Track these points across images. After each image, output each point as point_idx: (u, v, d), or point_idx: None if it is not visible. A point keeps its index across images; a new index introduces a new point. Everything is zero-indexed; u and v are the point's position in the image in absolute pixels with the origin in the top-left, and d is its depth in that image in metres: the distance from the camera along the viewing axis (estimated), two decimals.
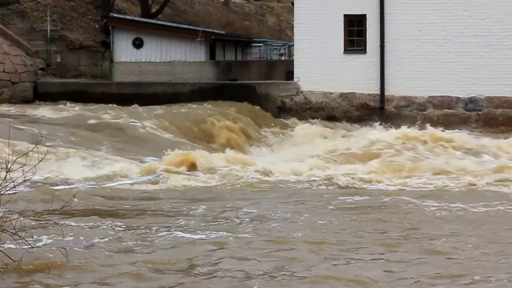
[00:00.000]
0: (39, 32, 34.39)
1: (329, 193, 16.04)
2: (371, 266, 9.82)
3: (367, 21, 28.10)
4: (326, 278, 9.29)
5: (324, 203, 14.63)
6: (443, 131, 23.58)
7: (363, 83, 28.01)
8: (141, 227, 12.07)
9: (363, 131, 25.58)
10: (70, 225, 11.94)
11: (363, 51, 28.18)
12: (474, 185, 17.05)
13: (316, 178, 17.57)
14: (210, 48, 33.41)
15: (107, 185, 16.44)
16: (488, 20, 27.40)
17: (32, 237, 10.00)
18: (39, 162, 10.25)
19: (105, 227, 12.08)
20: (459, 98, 27.57)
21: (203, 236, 11.44)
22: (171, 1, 42.29)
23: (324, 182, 17.24)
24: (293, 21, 29.89)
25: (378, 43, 27.90)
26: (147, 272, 9.35)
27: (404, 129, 23.53)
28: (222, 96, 28.44)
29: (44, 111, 26.30)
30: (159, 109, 26.16)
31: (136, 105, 27.32)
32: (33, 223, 11.12)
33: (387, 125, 25.67)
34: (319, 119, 27.67)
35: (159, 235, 11.50)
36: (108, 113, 25.47)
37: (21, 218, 9.49)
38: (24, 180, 9.53)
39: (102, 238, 11.12)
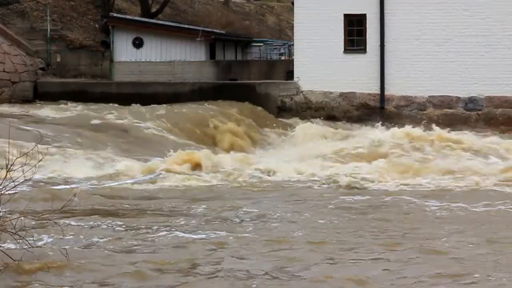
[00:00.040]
0: (39, 32, 34.39)
1: (332, 193, 16.02)
2: (371, 266, 9.82)
3: (367, 21, 28.11)
4: (326, 278, 9.29)
5: (326, 203, 14.62)
6: (449, 132, 23.46)
7: (363, 83, 28.01)
8: (142, 226, 12.07)
9: (365, 130, 25.58)
10: (71, 224, 11.94)
11: (363, 50, 28.19)
12: (478, 185, 16.98)
13: (318, 178, 17.54)
14: (210, 47, 33.42)
15: (108, 184, 16.45)
16: (488, 20, 27.41)
17: (33, 236, 9.99)
18: (38, 162, 10.25)
19: (106, 226, 12.08)
20: (459, 98, 27.58)
21: (204, 236, 11.44)
22: (171, 1, 42.29)
23: (327, 181, 17.18)
24: (293, 21, 29.89)
25: (378, 43, 27.91)
26: (148, 272, 9.35)
27: (409, 128, 23.38)
28: (222, 96, 28.44)
29: (47, 111, 26.23)
30: (161, 110, 26.12)
31: (138, 104, 27.34)
32: (34, 222, 11.11)
33: (390, 125, 25.67)
34: (322, 118, 27.64)
35: (159, 234, 11.50)
36: (112, 113, 25.42)
37: (22, 217, 9.49)
38: (25, 180, 9.51)
39: (103, 238, 11.12)
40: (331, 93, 28.25)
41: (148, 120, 24.64)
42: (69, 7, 36.84)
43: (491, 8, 27.36)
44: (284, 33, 51.89)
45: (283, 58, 38.17)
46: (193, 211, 13.65)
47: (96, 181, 16.74)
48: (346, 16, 28.24)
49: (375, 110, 27.90)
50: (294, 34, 29.25)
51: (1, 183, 9.19)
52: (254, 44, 39.67)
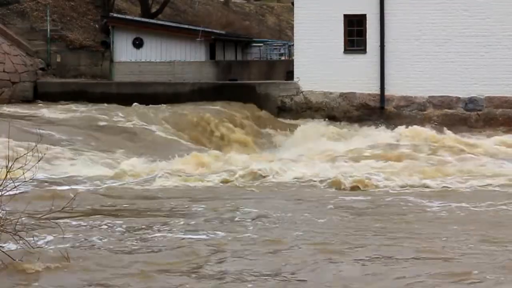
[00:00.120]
0: (39, 32, 34.40)
1: (333, 193, 15.99)
2: (372, 266, 9.82)
3: (367, 21, 28.12)
4: (327, 278, 9.30)
5: (327, 203, 14.60)
6: (463, 136, 23.31)
7: (363, 83, 28.02)
8: (142, 227, 12.08)
9: (371, 130, 25.58)
10: (71, 225, 11.95)
11: (363, 51, 28.20)
12: (485, 186, 16.91)
13: (321, 178, 17.48)
14: (210, 48, 33.42)
15: (108, 184, 16.45)
16: (488, 20, 27.42)
17: (33, 237, 9.99)
18: (38, 162, 10.25)
19: (106, 226, 12.08)
20: (459, 98, 27.58)
21: (204, 236, 11.45)
22: (171, 1, 42.29)
23: (329, 182, 17.11)
24: (293, 21, 29.90)
25: (378, 43, 27.92)
26: (148, 273, 9.35)
27: (418, 128, 23.18)
28: (222, 96, 28.45)
29: (51, 112, 26.13)
30: (166, 111, 26.08)
31: (137, 104, 27.37)
32: (34, 222, 11.12)
33: (392, 125, 25.66)
34: (326, 119, 27.61)
35: (160, 234, 11.50)
36: (117, 115, 25.37)
37: (22, 218, 9.49)
38: (25, 181, 9.52)
39: (103, 238, 11.13)
40: (331, 93, 28.26)
41: (153, 120, 24.61)
42: (69, 7, 36.85)
43: (491, 8, 27.37)
44: (284, 33, 51.90)
45: (283, 58, 38.17)
46: (193, 211, 13.66)
47: (98, 181, 16.74)
48: (346, 16, 28.25)
49: (375, 110, 27.91)
50: (294, 34, 29.26)
51: (2, 183, 9.19)
52: (254, 44, 39.67)
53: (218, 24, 41.39)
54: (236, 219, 12.97)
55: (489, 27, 27.41)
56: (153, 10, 39.88)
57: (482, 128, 26.86)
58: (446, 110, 27.57)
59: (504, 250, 10.69)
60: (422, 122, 26.60)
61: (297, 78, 28.61)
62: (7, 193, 9.41)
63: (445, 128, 24.49)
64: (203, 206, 14.05)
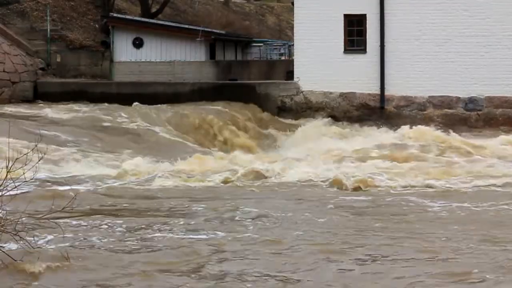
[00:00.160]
0: (39, 32, 34.39)
1: (335, 193, 15.97)
2: (372, 266, 9.82)
3: (367, 21, 28.11)
4: (326, 277, 9.30)
5: (329, 203, 14.59)
6: (466, 136, 23.15)
7: (363, 83, 28.01)
8: (143, 227, 12.08)
9: (373, 130, 25.55)
10: (72, 225, 11.95)
11: (363, 51, 28.19)
12: (489, 186, 16.88)
13: (323, 178, 17.45)
14: (210, 48, 33.42)
15: (110, 185, 16.46)
16: (488, 20, 27.41)
17: (33, 237, 10.00)
18: (38, 162, 10.25)
19: (106, 226, 12.08)
20: (459, 98, 27.58)
21: (204, 236, 11.46)
22: (171, 1, 42.29)
23: (331, 182, 17.07)
24: (293, 21, 29.89)
25: (378, 43, 27.90)
26: (148, 273, 9.35)
27: (424, 130, 23.00)
28: (222, 96, 28.45)
29: (54, 112, 26.08)
30: (168, 112, 26.07)
31: (138, 103, 27.38)
32: (35, 223, 11.13)
33: (395, 126, 25.62)
34: (329, 118, 27.58)
35: (160, 235, 11.51)
36: (120, 115, 25.35)
37: (23, 218, 9.49)
38: (25, 181, 9.52)
39: (103, 238, 11.13)
40: (331, 93, 28.25)
41: (158, 124, 24.60)
42: (69, 7, 36.85)
43: (491, 8, 27.36)
44: (284, 33, 51.90)
45: (283, 58, 38.17)
46: (194, 211, 13.66)
47: (100, 181, 16.74)
48: (346, 16, 28.23)
49: (375, 110, 27.90)
50: (294, 34, 29.25)
51: (2, 183, 9.19)
52: (254, 44, 39.67)
53: (218, 24, 41.39)
54: (236, 219, 12.97)
55: (489, 27, 27.40)
56: (153, 10, 39.89)
57: (482, 128, 26.85)
58: (446, 110, 27.57)
59: (504, 250, 10.70)
60: (422, 122, 26.58)
61: (297, 78, 28.60)
62: (8, 193, 9.41)
63: (450, 130, 24.29)
64: (203, 206, 14.06)
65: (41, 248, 10.01)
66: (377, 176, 17.47)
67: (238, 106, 27.49)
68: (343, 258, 10.22)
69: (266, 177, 17.63)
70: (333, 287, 9.04)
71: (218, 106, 27.16)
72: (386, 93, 27.86)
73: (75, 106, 27.37)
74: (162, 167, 18.50)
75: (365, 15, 28.09)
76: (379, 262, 10.04)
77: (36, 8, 35.41)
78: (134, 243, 10.93)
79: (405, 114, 27.70)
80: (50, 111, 25.87)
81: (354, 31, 28.30)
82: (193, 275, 9.34)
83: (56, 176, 16.96)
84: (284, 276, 9.34)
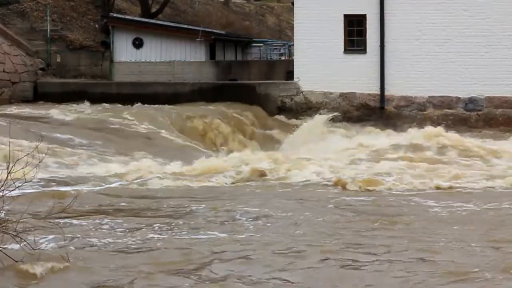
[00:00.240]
0: (39, 32, 34.41)
1: (340, 193, 15.93)
2: (372, 266, 9.82)
3: (367, 21, 28.12)
4: (326, 278, 9.30)
5: (332, 203, 14.57)
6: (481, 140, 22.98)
7: (363, 83, 28.03)
8: (143, 227, 12.08)
9: (374, 130, 25.52)
10: (72, 225, 11.96)
11: (363, 51, 28.20)
12: (493, 187, 16.82)
13: (327, 178, 17.42)
14: (210, 48, 33.44)
15: (111, 185, 16.46)
16: (488, 20, 27.43)
17: (34, 238, 10.01)
18: (39, 162, 10.26)
19: (107, 227, 12.08)
20: (459, 98, 27.59)
21: (204, 236, 11.46)
22: (171, 1, 42.30)
23: (336, 181, 17.02)
24: (293, 21, 29.90)
25: (378, 43, 27.92)
26: (148, 273, 9.35)
27: (436, 131, 22.76)
28: (222, 96, 28.47)
29: (59, 112, 26.02)
30: (172, 113, 26.07)
31: (139, 103, 27.44)
32: (35, 223, 11.13)
33: (395, 125, 25.56)
34: (331, 118, 27.56)
35: (160, 235, 11.51)
36: (125, 117, 25.34)
37: (23, 219, 9.50)
38: (26, 181, 9.53)
39: (104, 239, 11.12)
40: (331, 93, 28.27)
41: (163, 126, 24.60)
42: (69, 7, 36.85)
43: (491, 8, 27.38)
44: (284, 33, 51.91)
45: (283, 58, 38.19)
46: (194, 211, 13.66)
47: (102, 182, 16.74)
48: (346, 16, 28.25)
49: (375, 110, 27.92)
50: (294, 34, 29.26)
51: (2, 184, 9.20)
52: (254, 44, 39.69)
53: (218, 24, 41.41)
54: (237, 218, 12.97)
55: (489, 27, 27.41)
56: (153, 10, 39.90)
57: (482, 128, 26.85)
58: (446, 110, 27.58)
59: (505, 250, 10.70)
60: (422, 122, 26.57)
61: (297, 78, 28.61)
62: (9, 194, 9.41)
63: (468, 136, 23.93)
64: (203, 205, 14.06)
65: (41, 249, 10.01)
66: (381, 177, 17.40)
67: (239, 107, 27.52)
68: (343, 258, 10.22)
69: (268, 177, 17.62)
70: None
71: (220, 107, 27.17)
72: (386, 93, 27.87)
73: (78, 107, 27.37)
74: (165, 168, 18.48)
75: (365, 15, 28.11)
76: (379, 262, 10.03)
77: (36, 8, 35.42)
78: (134, 243, 10.93)
79: (405, 114, 27.71)
80: (56, 112, 25.79)
81: (354, 31, 28.32)
82: (193, 276, 9.34)
83: (59, 177, 16.97)
84: (284, 276, 9.34)
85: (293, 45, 30.63)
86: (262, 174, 17.79)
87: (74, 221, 12.26)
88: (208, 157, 20.60)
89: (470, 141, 21.74)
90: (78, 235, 11.24)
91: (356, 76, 27.98)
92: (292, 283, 9.12)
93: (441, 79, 27.64)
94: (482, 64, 27.44)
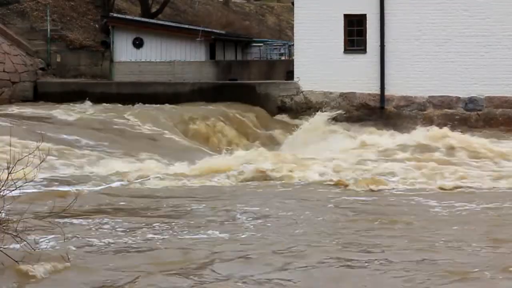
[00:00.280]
0: (39, 32, 34.42)
1: (341, 193, 15.90)
2: (372, 266, 9.83)
3: (367, 21, 28.13)
4: (326, 278, 9.31)
5: (333, 203, 14.56)
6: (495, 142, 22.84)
7: (363, 83, 28.04)
8: (144, 227, 12.08)
9: (375, 130, 25.49)
10: (73, 225, 11.96)
11: (363, 51, 28.21)
12: (497, 188, 16.77)
13: (329, 178, 17.40)
14: (210, 48, 33.44)
15: (111, 185, 16.46)
16: (488, 20, 27.43)
17: (34, 238, 10.01)
18: (40, 163, 10.26)
19: (108, 226, 12.09)
20: (459, 98, 27.60)
21: (205, 237, 11.46)
22: (171, 1, 42.31)
23: (338, 181, 17.00)
24: (293, 21, 29.91)
25: (378, 43, 27.93)
26: (149, 273, 9.35)
27: (443, 131, 22.65)
28: (222, 96, 28.48)
29: (63, 112, 25.97)
30: (175, 114, 26.06)
31: (141, 104, 27.46)
32: (36, 223, 11.13)
33: (395, 125, 25.54)
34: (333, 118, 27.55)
35: (160, 235, 11.52)
36: (128, 117, 25.35)
37: (24, 219, 9.50)
38: (26, 182, 9.54)
39: (104, 239, 11.12)
40: (331, 93, 28.27)
41: (166, 127, 24.60)
42: (69, 7, 36.86)
43: (491, 8, 27.39)
44: (284, 33, 51.93)
45: (283, 58, 38.20)
46: (194, 211, 13.67)
47: (103, 182, 16.74)
48: (346, 16, 28.26)
49: (375, 110, 27.93)
50: (294, 34, 29.27)
51: (3, 184, 9.20)
52: (254, 44, 39.70)
53: (218, 24, 41.41)
54: (237, 218, 12.98)
55: (489, 27, 27.42)
56: (153, 10, 39.90)
57: (482, 128, 26.85)
58: (446, 110, 27.59)
59: (505, 250, 10.71)
60: (422, 122, 26.58)
61: (297, 78, 28.62)
62: (9, 194, 9.42)
63: (475, 137, 23.80)
64: (204, 205, 14.07)
65: (42, 249, 10.02)
66: (385, 177, 17.37)
67: (239, 107, 27.53)
68: (343, 258, 10.22)
69: (271, 177, 17.61)
70: None
71: (221, 107, 27.17)
72: (386, 93, 27.88)
73: (80, 107, 27.35)
74: (171, 169, 18.46)
75: (365, 15, 28.12)
76: (379, 262, 10.03)
77: (36, 8, 35.42)
78: (134, 243, 10.93)
79: (405, 114, 27.72)
80: (59, 112, 25.74)
81: (354, 31, 28.32)
82: (193, 275, 9.34)
83: (61, 178, 16.98)
84: (284, 276, 9.35)
85: (293, 45, 30.64)
86: (265, 174, 17.78)
87: (75, 221, 12.27)
88: (212, 157, 20.56)
89: (477, 142, 21.60)
90: (78, 235, 11.24)
91: (356, 76, 27.98)
92: (292, 283, 9.12)
93: (441, 79, 27.65)
94: (482, 64, 27.45)
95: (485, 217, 13.38)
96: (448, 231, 12.06)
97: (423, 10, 27.70)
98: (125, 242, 11.00)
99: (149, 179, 17.17)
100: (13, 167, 8.99)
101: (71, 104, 27.98)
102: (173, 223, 12.42)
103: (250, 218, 12.95)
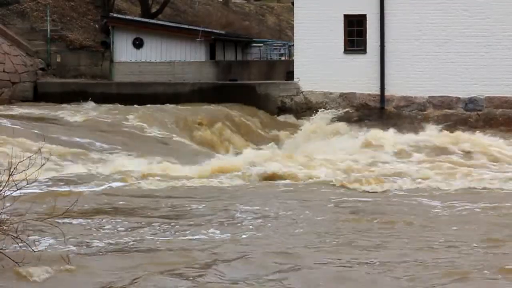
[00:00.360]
0: (39, 32, 34.43)
1: (342, 194, 15.88)
2: (372, 266, 9.83)
3: (367, 21, 28.15)
4: (326, 278, 9.31)
5: (334, 203, 14.54)
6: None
7: (363, 83, 28.05)
8: (144, 228, 12.08)
9: (376, 130, 25.40)
10: (73, 226, 11.96)
11: (363, 51, 28.22)
12: (501, 189, 16.73)
13: (330, 178, 17.38)
14: (210, 48, 33.45)
15: (112, 185, 16.45)
16: (488, 20, 27.45)
17: (34, 239, 10.01)
18: (42, 165, 10.26)
19: (109, 226, 12.09)
20: (459, 98, 27.61)
21: (205, 237, 11.46)
22: (171, 1, 42.32)
23: (340, 181, 17.03)
24: (293, 21, 29.93)
25: (378, 43, 27.94)
26: (149, 274, 9.36)
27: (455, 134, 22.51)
28: (222, 96, 28.49)
29: (67, 113, 25.93)
30: (175, 114, 26.04)
31: (136, 105, 27.42)
32: (36, 224, 11.12)
33: (395, 125, 25.51)
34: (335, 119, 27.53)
35: (161, 235, 11.52)
36: (133, 119, 25.31)
37: (25, 220, 9.50)
38: (28, 183, 9.54)
39: (104, 239, 11.13)
40: (331, 93, 28.29)
41: (175, 132, 24.58)
42: (69, 7, 36.87)
43: (491, 8, 27.40)
44: (284, 33, 51.93)
45: (283, 58, 38.21)
46: (195, 211, 13.67)
47: (104, 182, 16.73)
48: (346, 16, 28.28)
49: (375, 110, 27.94)
50: (294, 34, 29.29)
51: (3, 186, 9.21)
52: (254, 44, 39.70)
53: (218, 24, 41.42)
54: (238, 218, 12.98)
55: (489, 27, 27.43)
56: (153, 10, 39.91)
57: (482, 128, 26.83)
58: (446, 110, 27.60)
59: (505, 250, 10.72)
60: (422, 122, 26.57)
61: (297, 78, 28.63)
62: (10, 194, 9.42)
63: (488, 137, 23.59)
64: (204, 205, 14.06)
65: (42, 250, 10.01)
66: (388, 177, 17.35)
67: (241, 108, 27.53)
68: (342, 258, 10.22)
69: (270, 177, 17.60)
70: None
71: (221, 108, 27.16)
72: (386, 93, 27.89)
73: (82, 108, 27.32)
74: (185, 170, 18.44)
75: (365, 15, 28.13)
76: (379, 262, 10.04)
77: (36, 8, 35.44)
78: (135, 245, 10.93)
79: (405, 114, 27.73)
80: (66, 113, 25.65)
81: (354, 31, 28.34)
82: (194, 276, 9.34)
83: (63, 178, 16.97)
84: (284, 276, 9.35)
85: (293, 45, 30.65)
86: (264, 174, 17.78)
87: (75, 221, 12.27)
88: (212, 158, 20.52)
89: (490, 144, 21.45)
90: (79, 236, 11.24)
91: (356, 76, 28.00)
92: (292, 283, 9.13)
93: (441, 79, 27.66)
94: (482, 64, 27.46)
95: (485, 217, 13.38)
96: (448, 231, 12.06)
97: (423, 10, 27.71)
98: (126, 242, 11.00)
99: (150, 179, 17.13)
100: (14, 169, 9.00)
101: (73, 104, 27.93)
102: (173, 223, 12.43)
103: (251, 218, 12.95)
